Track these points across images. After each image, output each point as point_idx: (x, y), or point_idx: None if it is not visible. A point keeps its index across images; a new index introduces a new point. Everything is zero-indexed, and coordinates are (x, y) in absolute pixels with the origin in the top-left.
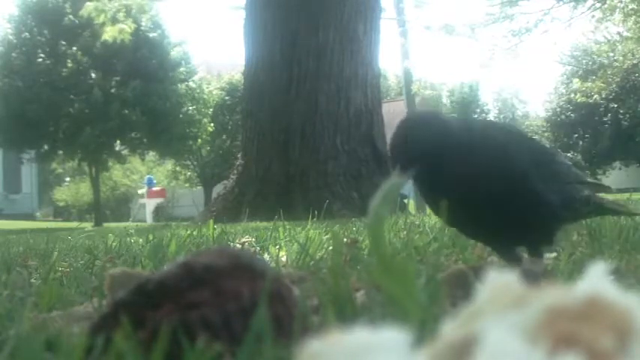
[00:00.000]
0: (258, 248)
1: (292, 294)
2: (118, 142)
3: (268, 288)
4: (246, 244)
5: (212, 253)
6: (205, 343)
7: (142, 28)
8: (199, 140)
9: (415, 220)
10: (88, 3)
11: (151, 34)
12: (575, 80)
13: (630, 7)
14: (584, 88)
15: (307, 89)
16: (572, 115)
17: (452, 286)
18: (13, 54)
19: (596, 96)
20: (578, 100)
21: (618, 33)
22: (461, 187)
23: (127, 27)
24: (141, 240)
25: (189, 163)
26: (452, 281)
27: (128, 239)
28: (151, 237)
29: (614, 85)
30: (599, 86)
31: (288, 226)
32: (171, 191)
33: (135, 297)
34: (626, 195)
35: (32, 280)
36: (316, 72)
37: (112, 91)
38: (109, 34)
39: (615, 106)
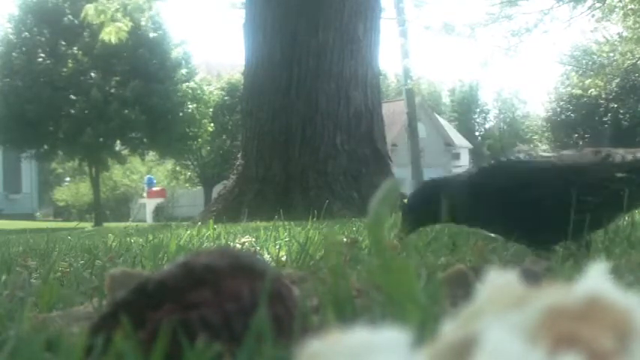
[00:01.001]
0: (258, 248)
1: (292, 294)
2: (118, 142)
3: (268, 288)
4: (246, 244)
5: (212, 253)
6: (205, 343)
7: (143, 28)
8: (199, 140)
9: None
10: (87, 5)
11: (152, 34)
12: (573, 75)
13: (630, 6)
14: (580, 83)
15: (307, 89)
16: (572, 115)
17: (452, 286)
18: (13, 54)
19: (592, 90)
20: (576, 94)
21: (618, 34)
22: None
23: (124, 25)
24: (141, 240)
25: (189, 163)
26: (452, 281)
27: (128, 239)
28: (150, 237)
29: (613, 85)
30: (597, 84)
31: (288, 226)
32: (171, 191)
33: (135, 297)
34: None
35: (32, 280)
36: (316, 72)
37: (112, 91)
38: (107, 33)
39: (615, 106)
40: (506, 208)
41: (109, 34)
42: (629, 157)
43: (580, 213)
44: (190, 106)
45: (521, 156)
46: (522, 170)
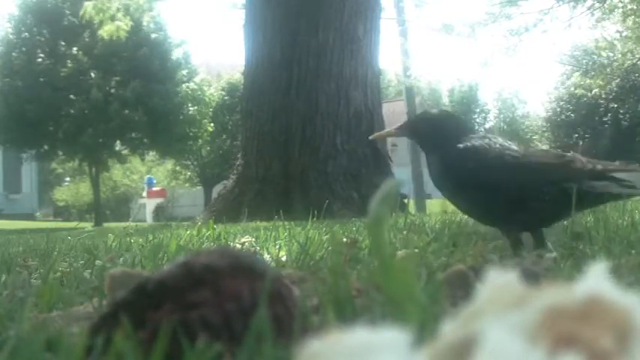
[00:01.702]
0: (258, 248)
1: (292, 294)
2: (118, 142)
3: (268, 288)
4: (246, 244)
5: (212, 253)
6: (205, 343)
7: (144, 28)
8: (200, 140)
9: (415, 220)
10: (86, 3)
11: (153, 35)
12: (575, 74)
13: (630, 7)
14: (582, 83)
15: (307, 89)
16: (572, 115)
17: (452, 286)
18: (13, 54)
19: (595, 91)
20: (578, 94)
21: (617, 31)
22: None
23: (124, 24)
24: (141, 240)
25: (189, 163)
26: (452, 281)
27: (128, 239)
28: (150, 237)
29: (613, 85)
30: (598, 84)
31: (288, 226)
32: (171, 191)
33: (135, 297)
34: None
35: (32, 280)
36: (316, 72)
37: (112, 91)
38: (105, 31)
39: (615, 106)
40: (466, 190)
41: (108, 31)
42: (589, 166)
43: (530, 207)
44: (191, 107)
45: (488, 142)
46: (485, 157)
